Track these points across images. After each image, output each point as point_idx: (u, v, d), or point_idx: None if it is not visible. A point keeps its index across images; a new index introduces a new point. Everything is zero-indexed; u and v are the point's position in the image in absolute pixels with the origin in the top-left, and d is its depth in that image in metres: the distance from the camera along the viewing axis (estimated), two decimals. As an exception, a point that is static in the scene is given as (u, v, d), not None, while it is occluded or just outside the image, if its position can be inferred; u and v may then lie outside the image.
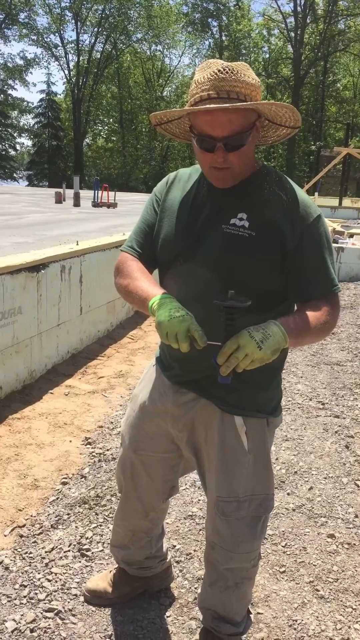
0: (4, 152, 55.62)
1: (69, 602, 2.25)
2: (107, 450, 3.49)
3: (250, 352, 1.42)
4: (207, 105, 1.45)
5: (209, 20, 53.57)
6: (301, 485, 3.22)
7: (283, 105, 1.51)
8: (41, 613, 2.18)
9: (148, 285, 1.65)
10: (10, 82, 53.22)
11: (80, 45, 52.37)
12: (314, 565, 2.57)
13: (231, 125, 1.47)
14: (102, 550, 2.57)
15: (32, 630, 2.10)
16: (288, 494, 3.13)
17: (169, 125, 1.66)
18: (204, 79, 1.49)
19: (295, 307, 1.72)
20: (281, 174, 1.68)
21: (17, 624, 2.12)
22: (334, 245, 10.24)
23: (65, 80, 56.23)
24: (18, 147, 60.20)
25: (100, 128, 60.33)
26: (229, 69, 1.47)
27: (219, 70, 1.47)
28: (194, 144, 1.57)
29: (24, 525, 2.73)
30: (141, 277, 1.70)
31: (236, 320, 1.44)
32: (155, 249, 1.77)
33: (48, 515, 2.81)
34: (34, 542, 2.61)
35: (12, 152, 58.47)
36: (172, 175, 1.83)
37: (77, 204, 20.15)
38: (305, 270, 1.61)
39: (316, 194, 22.91)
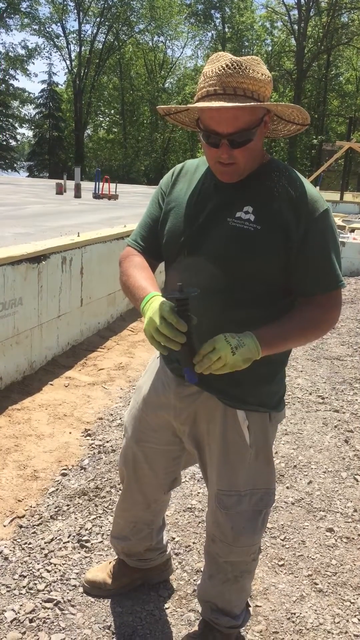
0: (4, 143, 55.36)
1: (68, 592, 2.25)
2: (107, 442, 3.49)
3: (224, 356, 1.47)
4: (210, 103, 1.44)
5: (212, 11, 53.29)
6: (300, 479, 3.22)
7: (289, 106, 1.50)
8: (40, 603, 2.18)
9: (142, 284, 1.66)
10: (11, 72, 52.98)
11: (82, 35, 52.10)
12: (313, 558, 2.57)
13: (237, 122, 1.46)
14: (102, 541, 2.57)
15: (31, 621, 2.10)
16: (287, 487, 3.13)
17: (178, 115, 1.65)
18: (211, 73, 1.47)
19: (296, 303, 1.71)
20: (290, 167, 1.66)
21: (16, 614, 2.12)
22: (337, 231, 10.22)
23: (66, 70, 55.92)
24: (19, 137, 60.01)
25: (101, 119, 60.19)
26: (237, 64, 1.45)
27: (227, 65, 1.45)
28: (201, 139, 1.56)
29: (23, 516, 2.73)
30: (137, 275, 1.71)
31: (189, 311, 1.45)
32: (160, 242, 1.77)
33: (47, 506, 2.81)
34: (34, 532, 2.61)
35: (13, 143, 58.27)
36: (179, 167, 1.82)
37: (78, 195, 20.08)
38: (309, 264, 1.60)
39: (317, 188, 22.80)
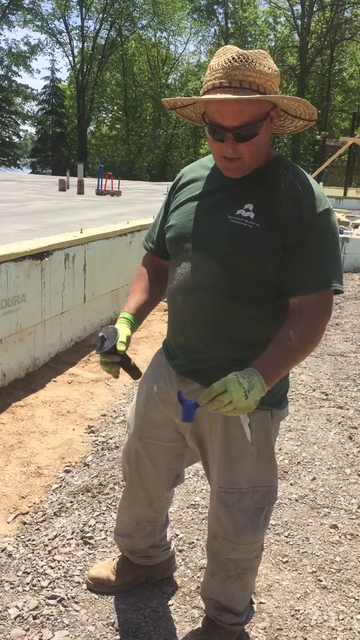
0: (7, 139, 55.35)
1: (71, 589, 2.25)
2: (110, 438, 3.49)
3: (236, 399, 1.41)
4: (214, 95, 1.43)
5: (215, 7, 53.11)
6: (304, 476, 3.22)
7: (295, 99, 1.48)
8: (44, 600, 2.19)
9: (129, 298, 1.88)
10: (14, 68, 52.93)
11: (84, 31, 51.98)
12: (317, 555, 2.57)
13: (242, 116, 1.44)
14: (105, 538, 2.57)
15: (34, 617, 2.10)
16: (291, 484, 3.13)
17: (184, 110, 1.64)
18: (218, 66, 1.46)
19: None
20: (296, 165, 1.64)
21: (19, 610, 2.13)
22: (339, 236, 10.18)
23: (69, 67, 55.92)
24: (22, 134, 60.02)
25: (104, 115, 60.06)
26: (244, 58, 1.44)
27: (233, 58, 1.44)
28: (207, 133, 1.55)
29: (27, 513, 2.73)
30: (132, 287, 1.93)
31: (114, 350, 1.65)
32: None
33: (51, 502, 2.81)
34: (37, 529, 2.61)
35: (16, 139, 58.22)
36: (186, 168, 1.84)
37: (81, 191, 20.07)
38: (303, 260, 1.56)
39: (321, 184, 22.75)
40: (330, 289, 1.58)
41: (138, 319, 1.84)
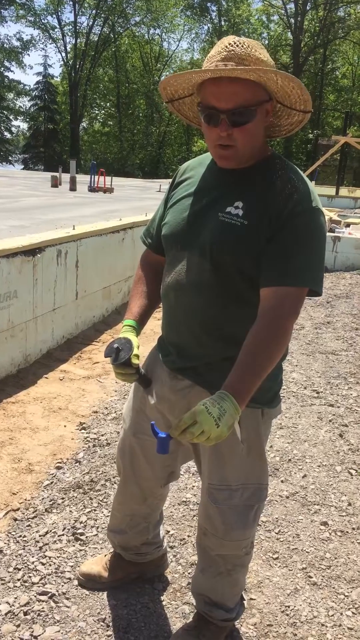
0: (-1, 135, 55.11)
1: (62, 585, 2.25)
2: (102, 435, 3.49)
3: (207, 430, 1.38)
4: (212, 67, 1.43)
5: (208, 4, 52.98)
6: (295, 473, 3.23)
7: (290, 77, 1.44)
8: (35, 596, 2.19)
9: (131, 305, 1.88)
10: (6, 63, 52.60)
11: (77, 27, 51.72)
12: (307, 552, 2.58)
13: (236, 98, 1.45)
14: (96, 534, 2.57)
15: (25, 613, 2.10)
16: (282, 481, 3.14)
17: (182, 107, 1.64)
18: (215, 52, 1.48)
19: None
20: (290, 163, 1.64)
21: (10, 606, 2.13)
22: (331, 234, 10.20)
23: (62, 62, 55.65)
24: (14, 130, 59.63)
25: (97, 112, 59.82)
26: (241, 42, 1.46)
27: (230, 44, 1.46)
28: (202, 122, 1.55)
29: (18, 509, 2.73)
30: (133, 290, 1.93)
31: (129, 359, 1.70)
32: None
33: (42, 499, 2.81)
34: (28, 525, 2.61)
35: (8, 135, 57.90)
36: (185, 165, 1.84)
37: (73, 188, 20.00)
38: (276, 251, 1.52)
39: (313, 182, 22.76)
40: (299, 285, 1.52)
41: (141, 325, 1.87)
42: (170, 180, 1.87)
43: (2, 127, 55.86)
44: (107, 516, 2.65)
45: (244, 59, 1.44)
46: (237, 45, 1.46)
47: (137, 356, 1.72)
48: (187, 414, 1.41)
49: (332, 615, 2.23)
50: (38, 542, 2.49)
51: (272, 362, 1.53)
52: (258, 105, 1.48)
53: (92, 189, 20.59)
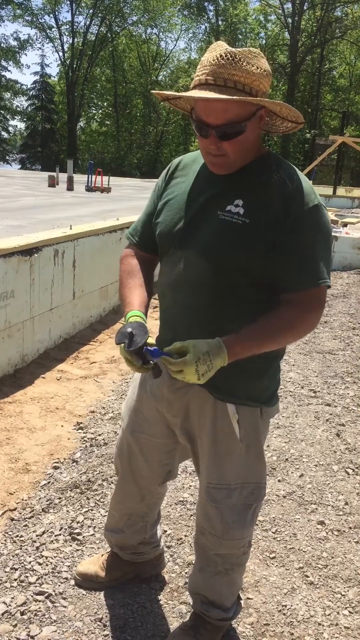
0: (-4, 135, 55.06)
1: (59, 585, 2.25)
2: (99, 435, 3.49)
3: (188, 379, 1.51)
4: (194, 93, 1.45)
5: (205, 3, 53.01)
6: (292, 473, 3.23)
7: (277, 103, 1.48)
8: (32, 596, 2.18)
9: (129, 298, 1.76)
10: (3, 63, 52.56)
11: (75, 27, 51.73)
12: (304, 551, 2.58)
13: (226, 114, 1.45)
14: (93, 534, 2.57)
15: (22, 613, 2.10)
16: (279, 480, 3.14)
17: (178, 101, 1.64)
18: (207, 62, 1.47)
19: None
20: (286, 161, 1.64)
21: (7, 606, 2.12)
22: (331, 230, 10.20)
23: (59, 62, 55.56)
24: (11, 129, 59.57)
25: (94, 112, 59.85)
26: (231, 56, 1.44)
27: (221, 56, 1.44)
28: (193, 127, 1.56)
29: (15, 509, 2.72)
30: (128, 283, 1.80)
31: (142, 349, 1.55)
32: (154, 237, 1.77)
33: (39, 499, 2.81)
34: (25, 525, 2.61)
35: (5, 135, 57.87)
36: (176, 161, 1.82)
37: (70, 188, 20.01)
38: (292, 258, 1.55)
39: (310, 182, 22.74)
40: (320, 286, 1.58)
41: (145, 316, 1.78)
42: (162, 175, 1.84)
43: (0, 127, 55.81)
44: (104, 516, 2.65)
45: (227, 80, 1.43)
46: (227, 59, 1.43)
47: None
48: (179, 360, 1.51)
49: (329, 615, 2.23)
50: (35, 542, 2.49)
51: (280, 345, 1.68)
52: (249, 119, 1.48)
53: (90, 188, 20.59)
